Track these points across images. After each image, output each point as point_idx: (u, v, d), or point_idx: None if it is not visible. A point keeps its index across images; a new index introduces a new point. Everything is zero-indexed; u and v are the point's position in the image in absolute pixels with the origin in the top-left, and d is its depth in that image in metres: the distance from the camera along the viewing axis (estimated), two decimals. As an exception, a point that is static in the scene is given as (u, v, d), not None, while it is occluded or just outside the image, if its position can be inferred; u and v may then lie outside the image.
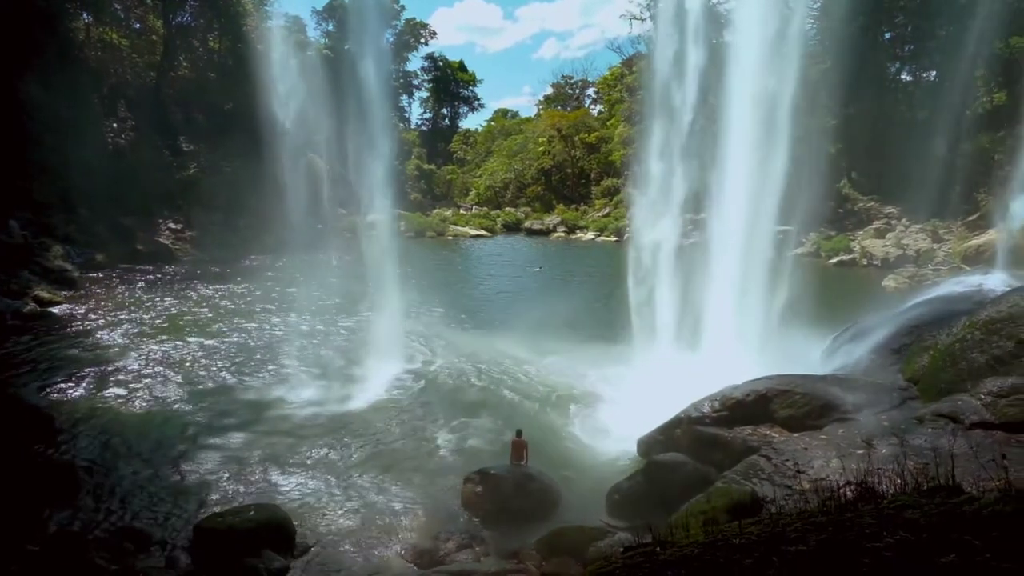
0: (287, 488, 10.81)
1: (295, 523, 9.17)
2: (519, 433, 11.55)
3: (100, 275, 30.00)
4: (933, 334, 11.20)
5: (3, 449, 10.70)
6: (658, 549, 3.62)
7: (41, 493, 9.83)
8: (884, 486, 4.46)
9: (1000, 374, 8.98)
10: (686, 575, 3.09)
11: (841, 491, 4.41)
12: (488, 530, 9.58)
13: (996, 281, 15.45)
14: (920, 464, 5.48)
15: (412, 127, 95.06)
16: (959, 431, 8.38)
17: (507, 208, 75.60)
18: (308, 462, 11.87)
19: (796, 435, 9.75)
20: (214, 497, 10.42)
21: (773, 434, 10.10)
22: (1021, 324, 9.18)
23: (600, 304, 27.93)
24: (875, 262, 39.03)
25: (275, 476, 11.23)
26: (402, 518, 9.94)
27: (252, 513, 8.80)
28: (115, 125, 43.53)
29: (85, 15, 43.40)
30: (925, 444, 7.92)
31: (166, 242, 38.97)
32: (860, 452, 8.20)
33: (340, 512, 10.07)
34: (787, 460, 8.56)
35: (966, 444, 7.55)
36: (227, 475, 11.24)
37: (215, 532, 8.35)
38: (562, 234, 64.17)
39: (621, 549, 4.73)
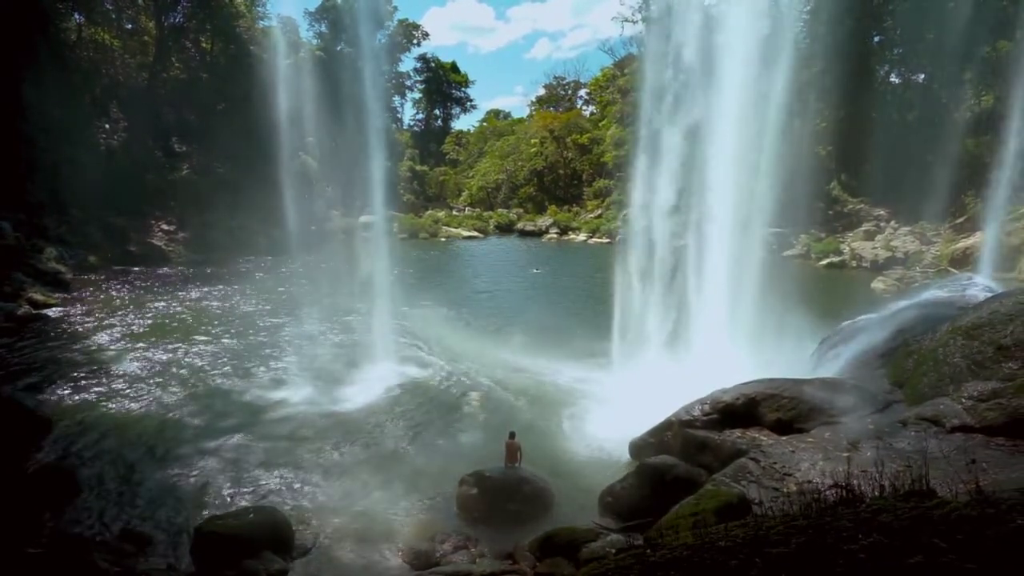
0: (285, 490, 10.96)
1: (293, 525, 9.31)
2: (512, 435, 11.73)
3: (93, 277, 30.00)
4: (918, 339, 11.45)
5: (2, 452, 10.80)
6: (648, 551, 3.82)
7: (41, 496, 9.93)
8: (865, 489, 4.68)
9: (981, 378, 9.23)
10: (675, 576, 3.28)
11: (824, 494, 4.63)
12: (483, 531, 9.76)
13: (979, 286, 15.76)
14: (902, 467, 5.71)
15: (404, 128, 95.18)
16: (941, 435, 8.64)
17: (500, 209, 75.79)
18: (305, 464, 12.01)
19: (784, 438, 9.98)
20: (213, 499, 10.56)
21: (762, 437, 10.32)
22: (1000, 329, 9.43)
23: (592, 306, 28.16)
24: (864, 264, 39.44)
25: (273, 478, 11.37)
26: (398, 520, 10.10)
27: (251, 516, 8.94)
28: (107, 126, 43.42)
29: (77, 15, 43.20)
30: (908, 447, 8.16)
31: (159, 243, 38.94)
32: (845, 455, 8.43)
33: (337, 514, 10.21)
34: (775, 463, 8.79)
35: (947, 447, 7.80)
36: (225, 477, 11.37)
37: (215, 534, 8.47)
38: (555, 235, 64.38)
39: (613, 551, 4.93)
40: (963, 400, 9.11)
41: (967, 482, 4.25)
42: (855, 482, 4.69)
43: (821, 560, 2.97)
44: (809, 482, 6.34)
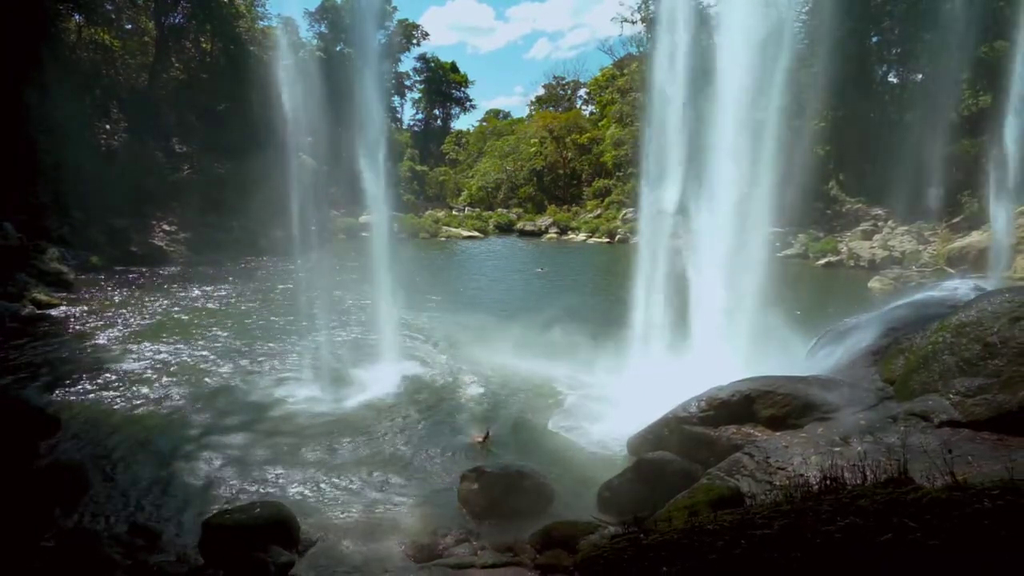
0: (290, 486, 11.18)
1: (299, 519, 9.51)
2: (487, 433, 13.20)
3: (95, 277, 30.26)
4: (909, 337, 11.69)
5: (13, 449, 11.02)
6: (642, 536, 4.04)
7: (51, 492, 10.15)
8: (850, 479, 4.91)
9: (968, 375, 9.46)
10: (665, 556, 3.52)
11: (811, 485, 4.86)
12: (484, 525, 9.97)
13: (970, 286, 16.01)
14: (887, 459, 5.95)
15: (404, 128, 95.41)
16: (929, 429, 8.89)
17: (499, 209, 76.03)
18: (309, 461, 12.24)
19: (778, 434, 10.20)
20: (219, 495, 10.78)
21: (756, 433, 10.55)
22: (988, 328, 9.65)
23: (592, 305, 28.45)
24: (862, 263, 39.71)
25: (278, 474, 11.60)
26: (401, 514, 10.31)
27: (258, 510, 9.14)
28: (108, 127, 43.63)
29: (77, 16, 43.42)
30: (896, 442, 8.39)
31: (160, 244, 39.20)
32: (837, 450, 8.68)
33: (341, 509, 10.44)
34: (768, 458, 9.03)
35: (934, 442, 8.04)
36: (231, 473, 11.60)
37: (223, 528, 8.67)
38: (554, 235, 64.68)
39: (609, 538, 5.15)
40: (951, 396, 9.37)
41: (946, 472, 4.48)
42: (841, 473, 4.92)
43: (800, 539, 3.20)
44: (801, 475, 6.57)
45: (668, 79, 17.90)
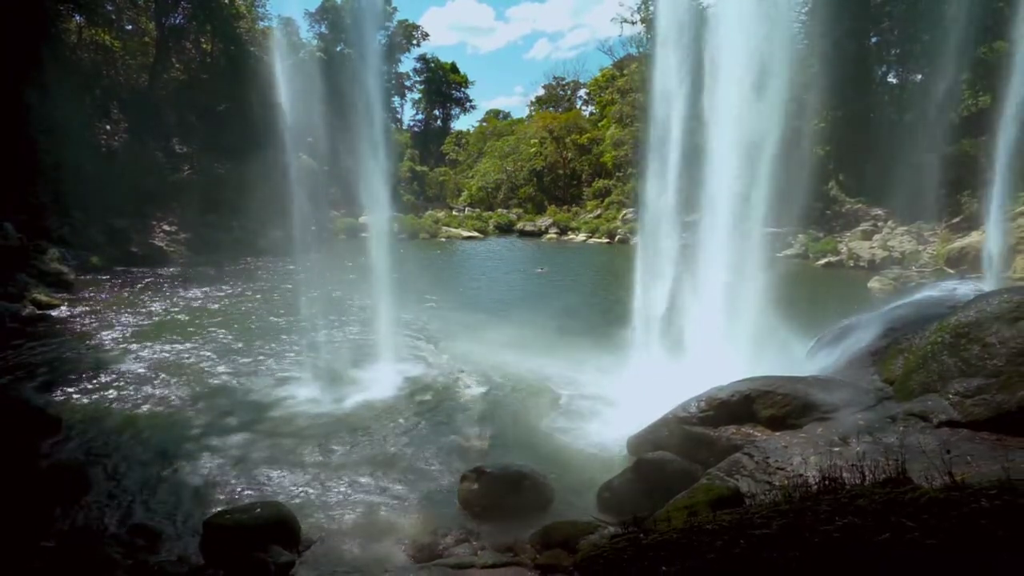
0: (290, 486, 11.18)
1: (299, 519, 9.52)
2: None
3: (96, 277, 30.29)
4: (908, 337, 11.71)
5: (14, 449, 11.04)
6: (641, 536, 4.06)
7: (52, 493, 10.17)
8: (849, 479, 4.93)
9: (967, 375, 9.47)
10: (665, 556, 3.53)
11: (809, 485, 4.88)
12: (484, 525, 9.96)
13: (969, 287, 16.04)
14: (886, 459, 5.96)
15: (404, 128, 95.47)
16: (928, 429, 8.91)
17: (499, 209, 76.06)
18: (309, 461, 12.24)
19: (777, 434, 10.21)
20: (220, 495, 10.78)
21: (756, 433, 10.56)
22: (987, 328, 9.67)
23: (592, 305, 28.48)
24: (861, 264, 39.71)
25: (278, 475, 11.60)
26: (402, 515, 10.32)
27: (259, 510, 9.15)
28: (108, 127, 43.67)
29: (77, 16, 43.48)
30: (896, 442, 8.41)
31: (160, 244, 39.23)
32: (836, 450, 8.69)
33: (342, 509, 10.44)
34: (768, 457, 9.04)
35: (933, 442, 8.07)
36: (231, 473, 11.59)
37: (224, 528, 8.68)
38: (554, 236, 64.69)
39: (609, 538, 5.17)
40: (950, 396, 9.39)
41: (944, 472, 4.50)
42: (839, 473, 4.94)
43: (799, 539, 3.22)
44: (800, 475, 6.59)
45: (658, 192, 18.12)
